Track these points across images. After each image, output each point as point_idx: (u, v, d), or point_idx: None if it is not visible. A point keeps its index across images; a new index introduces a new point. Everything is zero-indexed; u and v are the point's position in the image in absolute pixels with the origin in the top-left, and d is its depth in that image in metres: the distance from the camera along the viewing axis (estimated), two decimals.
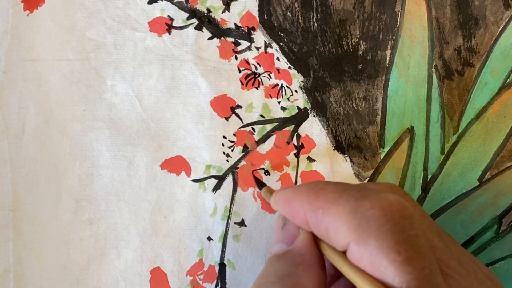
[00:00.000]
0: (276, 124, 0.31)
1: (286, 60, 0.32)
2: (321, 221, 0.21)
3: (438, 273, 0.20)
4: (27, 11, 0.31)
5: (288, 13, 0.32)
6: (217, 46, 0.32)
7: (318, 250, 0.23)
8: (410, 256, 0.19)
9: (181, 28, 0.32)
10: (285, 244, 0.24)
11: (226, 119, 0.31)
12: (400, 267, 0.19)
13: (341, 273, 0.22)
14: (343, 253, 0.21)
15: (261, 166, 0.31)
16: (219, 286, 0.30)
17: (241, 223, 0.30)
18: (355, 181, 0.31)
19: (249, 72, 0.32)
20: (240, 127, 0.31)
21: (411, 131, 0.32)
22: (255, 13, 0.32)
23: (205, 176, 0.31)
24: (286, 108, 0.32)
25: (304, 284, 0.21)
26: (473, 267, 0.22)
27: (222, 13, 0.32)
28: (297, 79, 0.32)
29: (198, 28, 0.32)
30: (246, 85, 0.32)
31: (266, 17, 0.32)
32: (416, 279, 0.18)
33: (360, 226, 0.20)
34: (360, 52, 0.32)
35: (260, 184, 0.29)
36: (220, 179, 0.31)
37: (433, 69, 0.32)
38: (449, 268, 0.21)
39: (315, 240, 0.23)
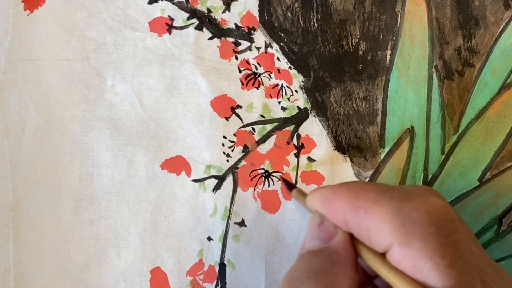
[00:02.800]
0: (276, 124, 0.31)
1: (286, 60, 0.32)
2: (362, 221, 0.21)
3: (478, 280, 0.20)
4: (28, 11, 0.31)
5: (289, 13, 0.32)
6: (218, 46, 0.32)
7: (354, 252, 0.22)
8: (454, 260, 0.19)
9: (181, 28, 0.32)
10: (320, 242, 0.23)
11: (226, 119, 0.31)
12: (444, 270, 0.18)
13: (368, 281, 0.22)
14: (382, 255, 0.21)
15: (261, 166, 0.31)
16: (219, 286, 0.30)
17: (241, 223, 0.30)
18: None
19: (249, 72, 0.32)
20: (240, 127, 0.31)
21: (411, 131, 0.32)
22: (256, 13, 0.32)
23: (205, 176, 0.31)
24: (286, 108, 0.32)
25: (339, 282, 0.21)
26: (505, 277, 0.22)
27: (222, 13, 0.32)
28: (298, 79, 0.32)
29: (199, 28, 0.32)
30: (247, 85, 0.32)
31: (266, 17, 0.32)
32: (459, 284, 0.18)
33: (404, 227, 0.19)
34: (360, 52, 0.32)
35: (290, 186, 0.29)
36: (220, 179, 0.31)
37: (433, 69, 0.32)
38: (486, 275, 0.20)
39: (352, 241, 0.23)
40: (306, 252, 0.23)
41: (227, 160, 0.31)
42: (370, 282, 0.26)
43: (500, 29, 0.32)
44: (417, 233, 0.19)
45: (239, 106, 0.31)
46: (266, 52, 0.32)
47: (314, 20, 0.32)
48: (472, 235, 0.23)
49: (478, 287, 0.19)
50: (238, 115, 0.31)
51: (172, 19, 0.32)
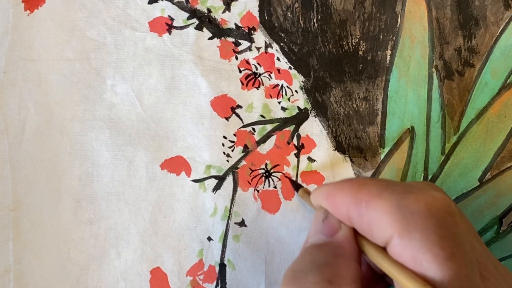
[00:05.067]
0: (276, 124, 0.31)
1: (286, 60, 0.32)
2: (364, 214, 0.21)
3: (477, 274, 0.20)
4: (28, 11, 0.31)
5: (289, 13, 0.32)
6: (218, 46, 0.32)
7: (358, 247, 0.23)
8: (453, 252, 0.19)
9: (181, 28, 0.32)
10: (324, 236, 0.24)
11: (227, 119, 0.31)
12: (443, 262, 0.19)
13: (378, 278, 0.21)
14: (384, 250, 0.21)
15: (261, 166, 0.31)
16: (219, 286, 0.30)
17: (241, 223, 0.30)
18: None
19: (249, 72, 0.32)
20: (241, 127, 0.31)
21: (411, 131, 0.32)
22: (256, 13, 0.32)
23: (205, 176, 0.31)
24: (286, 108, 0.32)
25: (342, 274, 0.21)
26: (506, 273, 0.22)
27: (222, 13, 0.32)
28: (298, 79, 0.32)
29: (199, 28, 0.32)
30: (247, 85, 0.32)
31: (266, 17, 0.32)
32: (458, 276, 0.18)
33: (404, 220, 0.20)
34: (360, 53, 0.32)
35: (297, 186, 0.30)
36: (220, 179, 0.31)
37: (433, 69, 0.32)
38: (486, 271, 0.21)
39: (355, 237, 0.23)
40: (310, 245, 0.24)
41: (227, 160, 0.31)
42: (381, 279, 0.26)
43: (500, 29, 0.32)
44: (417, 225, 0.19)
45: (239, 106, 0.31)
46: (266, 52, 0.32)
47: (314, 20, 0.32)
48: (473, 230, 0.23)
49: (477, 280, 0.19)
50: (238, 115, 0.31)
51: (172, 19, 0.32)
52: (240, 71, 0.32)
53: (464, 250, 0.19)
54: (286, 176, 0.31)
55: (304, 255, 0.23)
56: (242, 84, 0.32)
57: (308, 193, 0.28)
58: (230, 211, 0.30)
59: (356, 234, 0.23)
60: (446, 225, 0.20)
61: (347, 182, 0.23)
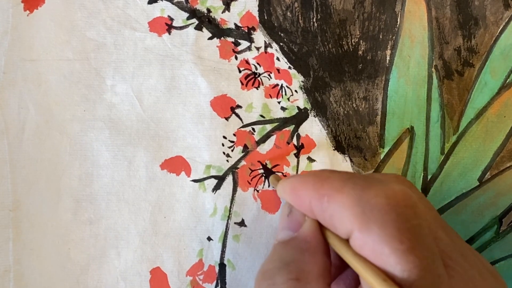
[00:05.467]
0: (276, 124, 0.31)
1: (286, 60, 0.32)
2: (326, 209, 0.22)
3: (440, 264, 0.20)
4: (27, 11, 0.31)
5: (288, 13, 0.32)
6: (217, 46, 0.32)
7: (323, 238, 0.23)
8: (412, 245, 0.19)
9: (181, 28, 0.32)
10: (291, 231, 0.24)
11: (226, 119, 0.31)
12: (402, 256, 0.19)
13: (346, 264, 0.22)
14: (347, 241, 0.21)
15: (261, 166, 0.31)
16: (219, 286, 0.30)
17: (241, 223, 0.30)
18: None
19: (249, 72, 0.32)
20: (240, 127, 0.31)
21: (411, 131, 0.32)
22: (255, 13, 0.32)
23: (205, 176, 0.31)
24: (286, 108, 0.32)
25: (309, 270, 0.21)
26: (476, 262, 0.22)
27: (222, 13, 0.32)
28: (297, 79, 0.32)
29: (198, 28, 0.32)
30: (246, 85, 0.32)
31: (266, 17, 0.32)
32: (418, 268, 0.18)
33: (364, 214, 0.20)
34: (360, 52, 0.32)
35: (268, 172, 0.30)
36: (220, 179, 0.31)
37: (433, 69, 0.32)
38: (452, 260, 0.21)
39: (321, 228, 0.23)
40: (277, 243, 0.24)
41: (227, 160, 0.31)
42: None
43: (500, 29, 0.32)
44: (376, 219, 0.19)
45: (239, 106, 0.31)
46: (265, 52, 0.32)
47: (314, 20, 0.32)
48: (439, 220, 0.23)
49: (440, 271, 0.19)
50: (238, 115, 0.31)
51: (171, 19, 0.32)
52: (240, 71, 0.32)
53: (424, 242, 0.19)
54: (259, 161, 0.31)
55: (273, 254, 0.23)
56: (242, 84, 0.32)
57: (278, 180, 0.28)
58: (230, 211, 0.30)
59: (321, 226, 0.23)
60: (405, 217, 0.20)
61: (311, 175, 0.23)
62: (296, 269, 0.21)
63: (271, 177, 0.29)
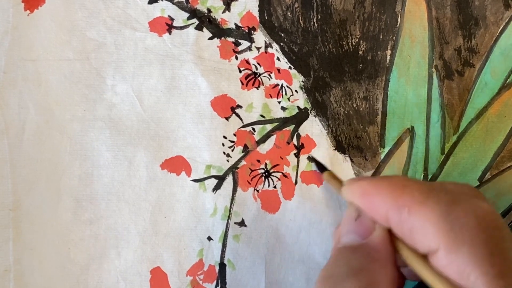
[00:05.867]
0: (276, 124, 0.31)
1: (286, 60, 0.32)
2: (406, 221, 0.21)
3: None
4: (28, 11, 0.31)
5: (289, 13, 0.32)
6: (218, 46, 0.32)
7: (394, 249, 0.22)
8: (503, 270, 0.18)
9: (181, 28, 0.32)
10: (358, 236, 0.23)
11: (226, 119, 0.31)
12: (492, 280, 0.18)
13: (401, 278, 0.21)
14: (424, 257, 0.20)
15: (261, 166, 0.31)
16: (219, 286, 0.30)
17: (241, 223, 0.30)
18: None
19: (249, 72, 0.32)
20: (240, 127, 0.31)
21: (411, 131, 0.32)
22: (256, 13, 0.32)
23: (205, 176, 0.31)
24: (286, 108, 0.32)
25: (380, 280, 0.20)
26: None
27: (222, 13, 0.32)
28: (298, 79, 0.32)
29: (199, 28, 0.32)
30: (247, 85, 0.32)
31: (266, 17, 0.32)
32: None
33: (453, 232, 0.19)
34: (360, 52, 0.32)
35: (322, 168, 0.29)
36: (220, 179, 0.31)
37: (433, 69, 0.32)
38: None
39: (391, 238, 0.22)
40: (343, 247, 0.23)
41: (227, 160, 0.31)
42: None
43: (500, 29, 0.32)
44: (466, 239, 0.19)
45: (239, 106, 0.31)
46: (266, 52, 0.32)
47: (314, 20, 0.32)
48: None
49: None
50: (238, 115, 0.31)
51: (172, 19, 0.32)
52: (240, 71, 0.32)
53: None
54: (311, 157, 0.30)
55: (338, 258, 0.22)
56: (242, 84, 0.32)
57: (334, 178, 0.27)
58: (230, 211, 0.30)
59: (392, 236, 0.22)
60: (495, 240, 0.19)
61: (385, 181, 0.22)
62: (367, 278, 0.20)
63: (325, 174, 0.28)
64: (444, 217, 0.20)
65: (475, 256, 0.19)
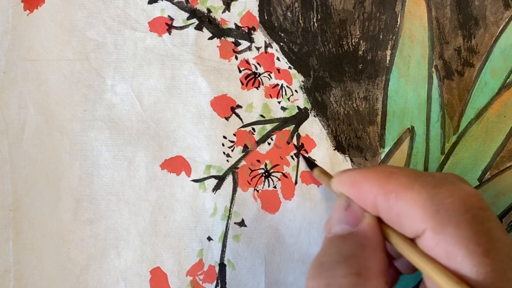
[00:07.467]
0: (276, 124, 0.31)
1: (286, 60, 0.32)
2: (393, 206, 0.21)
3: (511, 268, 0.19)
4: (27, 11, 0.31)
5: (288, 13, 0.32)
6: (217, 46, 0.32)
7: (383, 237, 0.22)
8: (488, 248, 0.19)
9: (181, 28, 0.32)
10: (348, 226, 0.23)
11: (226, 119, 0.31)
12: (478, 258, 0.18)
13: (389, 262, 0.21)
14: (412, 241, 0.21)
15: (261, 166, 0.31)
16: (219, 286, 0.30)
17: (241, 223, 0.30)
18: None
19: (249, 72, 0.32)
20: (240, 127, 0.31)
21: (411, 131, 0.32)
22: (255, 13, 0.32)
23: (205, 176, 0.31)
24: (286, 108, 0.32)
25: (370, 266, 0.21)
26: None
27: (222, 13, 0.32)
28: (297, 79, 0.32)
29: (198, 28, 0.32)
30: (246, 85, 0.32)
31: (266, 17, 0.32)
32: (494, 272, 0.18)
33: (438, 214, 0.19)
34: (360, 52, 0.32)
35: (311, 164, 0.29)
36: (220, 179, 0.31)
37: (433, 69, 0.32)
38: None
39: (380, 226, 0.22)
40: (334, 236, 0.23)
41: (227, 160, 0.31)
42: (390, 264, 0.25)
43: (500, 29, 0.32)
44: (451, 220, 0.19)
45: (239, 106, 0.31)
46: (266, 52, 0.32)
47: (314, 20, 0.32)
48: (501, 225, 0.22)
49: (511, 275, 0.19)
50: (238, 115, 0.31)
51: (172, 19, 0.32)
52: (240, 71, 0.32)
53: (498, 245, 0.19)
54: (302, 155, 0.31)
55: (328, 247, 0.22)
56: (242, 84, 0.32)
57: (324, 173, 0.28)
58: (230, 211, 0.30)
59: (381, 223, 0.22)
60: (480, 220, 0.19)
61: (373, 170, 0.23)
62: (357, 264, 0.21)
63: (316, 170, 0.28)
64: (430, 199, 0.20)
65: (461, 236, 0.19)
